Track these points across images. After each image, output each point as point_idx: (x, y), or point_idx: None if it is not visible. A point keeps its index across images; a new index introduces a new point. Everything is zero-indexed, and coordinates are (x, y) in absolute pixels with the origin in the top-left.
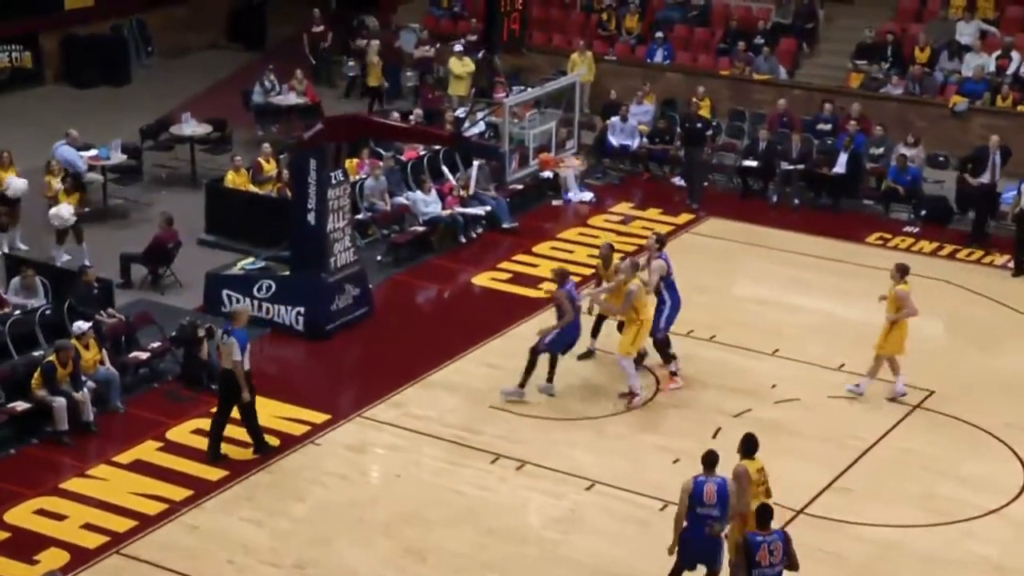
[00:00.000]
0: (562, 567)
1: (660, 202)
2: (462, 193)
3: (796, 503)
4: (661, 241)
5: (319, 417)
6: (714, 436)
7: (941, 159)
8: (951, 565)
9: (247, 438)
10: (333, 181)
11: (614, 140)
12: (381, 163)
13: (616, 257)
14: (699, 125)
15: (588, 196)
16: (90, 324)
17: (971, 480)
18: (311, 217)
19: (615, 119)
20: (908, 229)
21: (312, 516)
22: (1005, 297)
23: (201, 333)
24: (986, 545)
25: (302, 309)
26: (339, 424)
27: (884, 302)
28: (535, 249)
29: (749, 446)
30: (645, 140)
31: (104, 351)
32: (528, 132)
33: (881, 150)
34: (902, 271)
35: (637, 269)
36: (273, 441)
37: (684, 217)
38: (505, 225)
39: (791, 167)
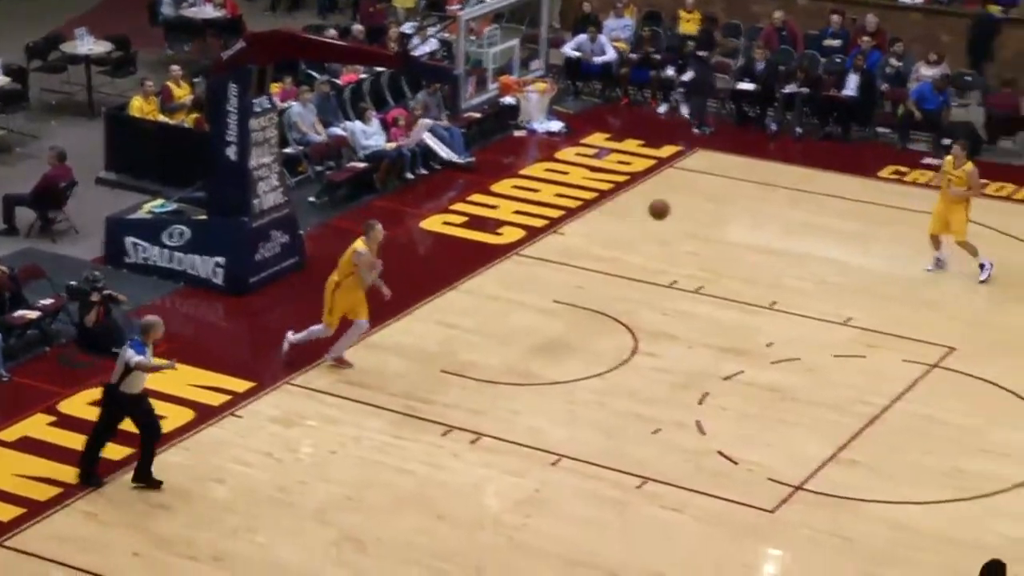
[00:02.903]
0: (524, 556)
1: (641, 132)
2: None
3: (794, 478)
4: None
5: (241, 385)
6: (700, 402)
7: (968, 79)
8: (974, 547)
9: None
10: (257, 109)
11: (569, 53)
12: (311, 88)
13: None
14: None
15: (556, 126)
16: None
17: (995, 449)
18: (231, 152)
19: (583, 36)
20: (929, 161)
21: (234, 501)
22: None
23: (95, 298)
24: (1014, 523)
25: (221, 259)
26: (264, 393)
27: (944, 182)
28: (494, 188)
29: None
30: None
31: None
32: (487, 51)
33: (898, 67)
34: (966, 148)
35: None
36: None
37: (668, 149)
38: (459, 160)
39: (793, 90)
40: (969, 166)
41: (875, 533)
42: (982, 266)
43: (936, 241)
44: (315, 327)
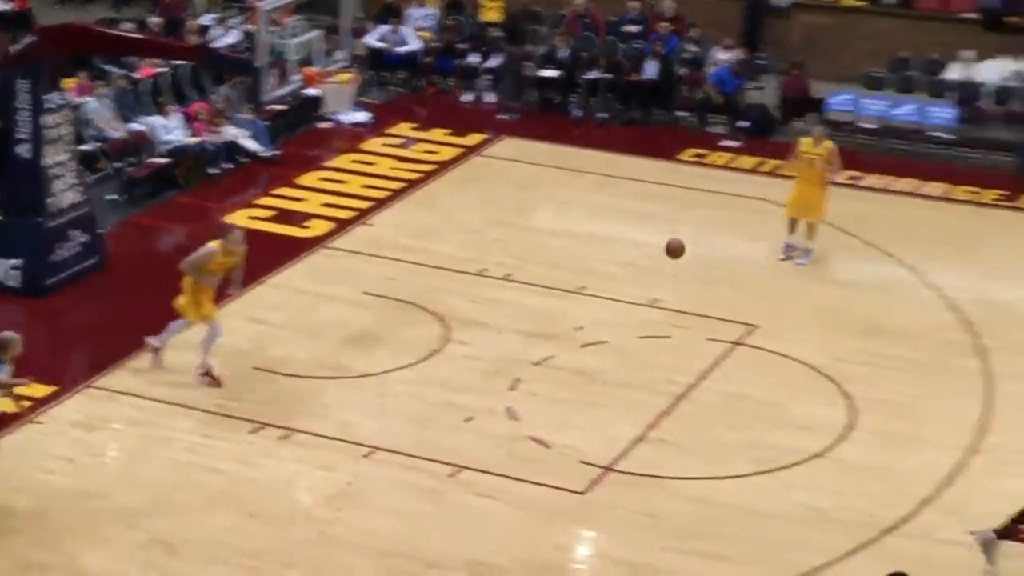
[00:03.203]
0: (338, 550)
1: (447, 121)
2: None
3: (604, 459)
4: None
5: (41, 390)
6: (512, 389)
7: (761, 63)
8: (775, 517)
9: None
10: (51, 106)
11: (372, 44)
12: (107, 83)
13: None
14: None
15: (363, 116)
16: None
17: (796, 423)
18: (23, 149)
19: (385, 27)
20: (727, 143)
21: (36, 510)
22: (831, 215)
23: None
24: (811, 492)
25: (16, 261)
26: (65, 397)
27: (806, 163)
28: (300, 181)
29: None
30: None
31: None
32: (289, 42)
33: (696, 52)
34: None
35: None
36: None
37: (475, 138)
38: (264, 153)
39: (596, 76)
40: (830, 143)
41: (681, 509)
42: (808, 251)
43: (793, 225)
44: (174, 323)
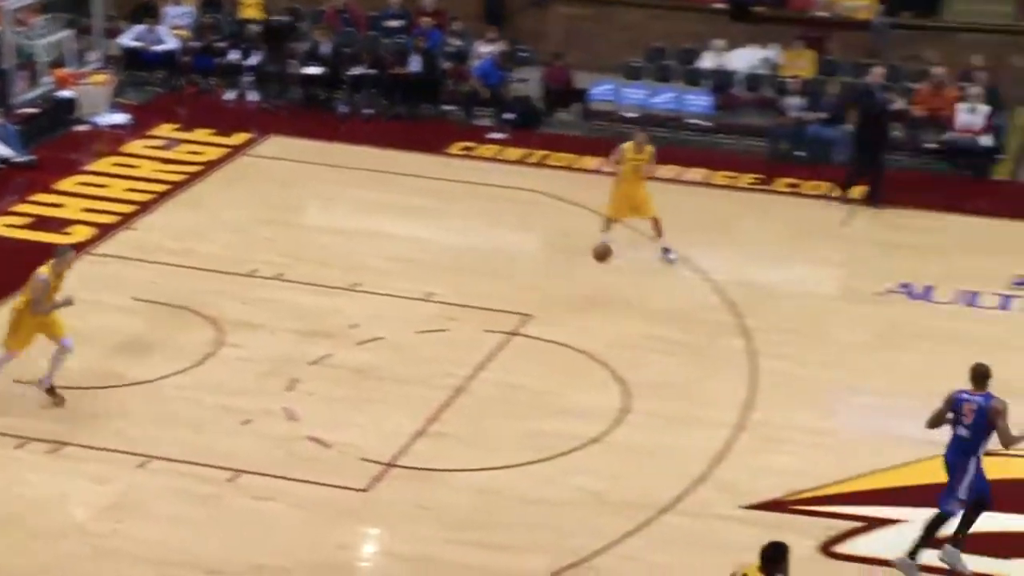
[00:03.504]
0: (114, 563)
1: (210, 120)
2: None
3: (385, 455)
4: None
5: None
6: (289, 389)
7: (524, 55)
8: (555, 503)
9: None
10: None
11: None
12: None
13: None
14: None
15: (121, 118)
16: None
17: (572, 409)
18: None
19: (140, 26)
20: (495, 135)
21: None
22: (599, 203)
23: None
24: (589, 477)
25: None
26: None
27: (630, 168)
28: (59, 186)
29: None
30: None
31: None
32: (37, 43)
33: (459, 46)
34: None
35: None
36: None
37: (240, 137)
38: (17, 159)
39: (360, 72)
40: (651, 148)
41: (463, 501)
42: (668, 249)
43: (610, 224)
44: None
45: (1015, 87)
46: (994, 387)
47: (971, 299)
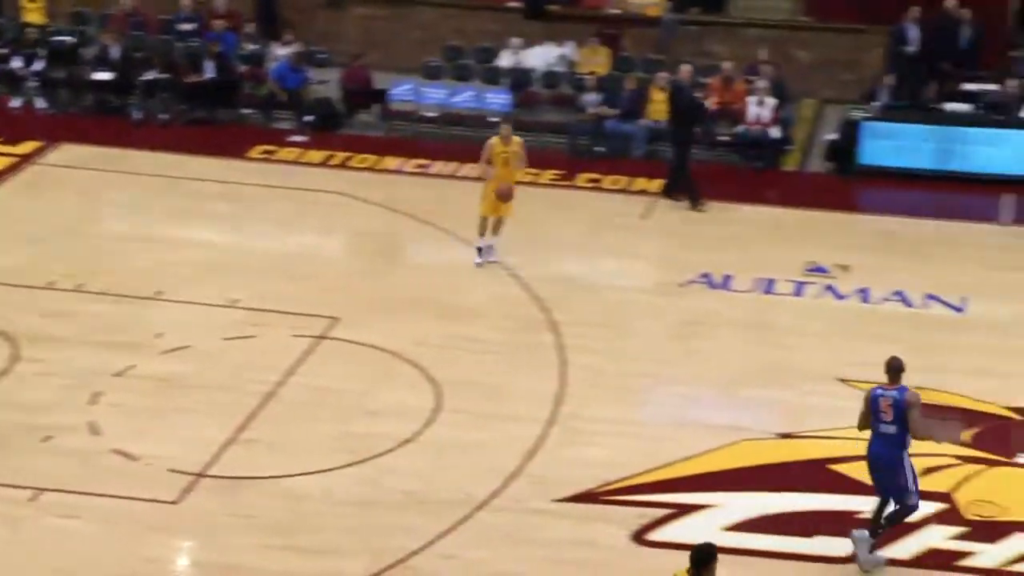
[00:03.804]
0: None
1: None
2: None
3: (195, 466)
4: None
5: None
6: (92, 402)
7: (322, 56)
8: (370, 505)
9: None
10: None
11: None
12: None
13: None
14: None
15: None
16: None
17: (384, 411)
18: None
19: None
20: (295, 138)
21: None
22: (403, 203)
23: None
24: (403, 478)
25: None
26: None
27: (501, 162)
28: None
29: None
30: None
31: None
32: None
33: (254, 48)
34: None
35: None
36: None
37: (28, 145)
38: None
39: (153, 77)
40: (518, 140)
41: (277, 507)
42: (491, 247)
43: (485, 225)
44: None
45: (799, 80)
46: (789, 372)
47: (767, 287)
